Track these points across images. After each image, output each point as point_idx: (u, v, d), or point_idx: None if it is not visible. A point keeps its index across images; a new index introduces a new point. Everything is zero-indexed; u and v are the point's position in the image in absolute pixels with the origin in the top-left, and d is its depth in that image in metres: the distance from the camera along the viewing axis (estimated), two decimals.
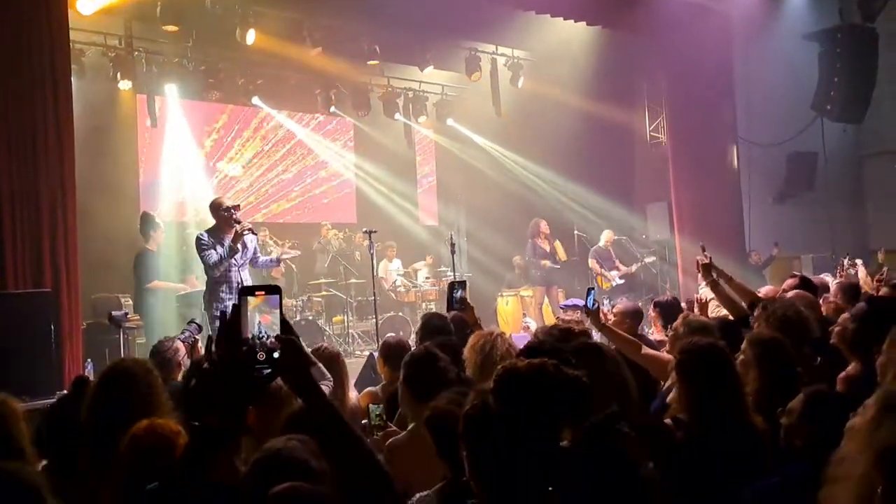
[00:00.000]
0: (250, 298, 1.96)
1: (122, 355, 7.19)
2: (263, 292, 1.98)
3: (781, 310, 4.40)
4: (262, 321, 1.94)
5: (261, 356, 1.91)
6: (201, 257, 7.71)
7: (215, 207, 7.89)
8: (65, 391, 5.37)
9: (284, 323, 1.96)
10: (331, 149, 15.29)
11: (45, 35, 7.48)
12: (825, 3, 14.29)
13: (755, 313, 4.62)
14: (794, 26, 14.25)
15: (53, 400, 4.90)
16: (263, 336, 1.93)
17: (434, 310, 11.99)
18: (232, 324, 1.94)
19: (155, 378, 3.32)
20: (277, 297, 1.97)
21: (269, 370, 1.92)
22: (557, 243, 12.70)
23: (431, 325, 4.93)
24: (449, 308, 5.33)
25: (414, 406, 3.54)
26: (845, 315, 4.19)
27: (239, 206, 8.10)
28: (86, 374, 6.47)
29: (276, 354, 1.92)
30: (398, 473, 3.28)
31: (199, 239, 7.77)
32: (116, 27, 11.26)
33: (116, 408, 3.10)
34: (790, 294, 5.44)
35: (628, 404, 2.95)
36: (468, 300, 5.31)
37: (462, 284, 5.40)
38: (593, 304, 5.24)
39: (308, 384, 1.94)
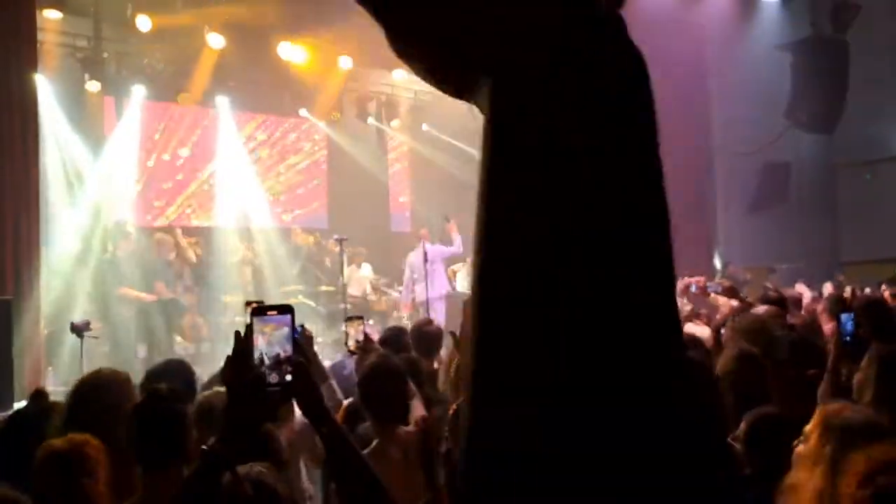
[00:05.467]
0: (256, 319, 1.93)
1: (81, 364, 6.99)
2: (276, 311, 1.95)
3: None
4: (262, 341, 1.90)
5: (273, 378, 1.88)
6: None
7: None
8: (23, 402, 5.22)
9: (297, 345, 1.93)
10: (300, 152, 15.13)
11: (12, 36, 7.34)
12: (797, 15, 14.40)
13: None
14: (766, 37, 14.33)
15: (9, 413, 4.75)
16: (270, 356, 1.90)
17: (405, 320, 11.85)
18: (242, 346, 1.92)
19: (132, 390, 3.21)
20: (289, 316, 1.94)
21: (279, 391, 1.89)
22: None
23: (392, 340, 4.86)
24: None
25: (374, 423, 3.45)
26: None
27: None
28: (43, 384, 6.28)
29: (288, 377, 1.89)
30: None
31: None
32: (86, 28, 11.07)
33: (91, 421, 2.97)
34: (760, 310, 5.43)
35: None
36: None
37: None
38: None
39: (316, 408, 1.95)
